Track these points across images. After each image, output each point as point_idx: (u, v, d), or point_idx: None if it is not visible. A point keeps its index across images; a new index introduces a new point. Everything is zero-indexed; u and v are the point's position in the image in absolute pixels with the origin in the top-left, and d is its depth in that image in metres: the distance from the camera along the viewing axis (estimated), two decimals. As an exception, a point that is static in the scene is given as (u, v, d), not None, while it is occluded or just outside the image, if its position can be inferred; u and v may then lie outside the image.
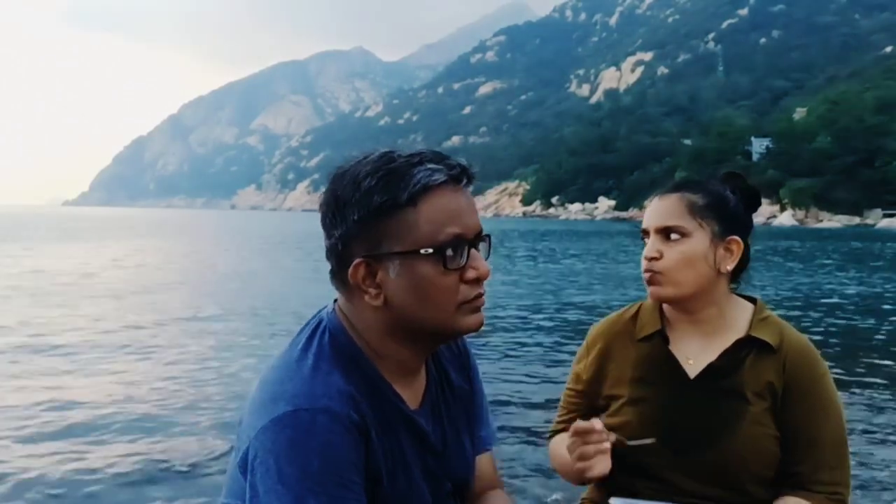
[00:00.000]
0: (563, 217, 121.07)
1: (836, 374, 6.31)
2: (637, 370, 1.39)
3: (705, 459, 1.29)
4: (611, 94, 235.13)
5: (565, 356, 7.13)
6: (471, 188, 0.97)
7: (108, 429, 4.82)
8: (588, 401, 1.47)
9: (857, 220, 76.61)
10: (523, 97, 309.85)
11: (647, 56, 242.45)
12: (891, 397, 5.74)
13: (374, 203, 0.89)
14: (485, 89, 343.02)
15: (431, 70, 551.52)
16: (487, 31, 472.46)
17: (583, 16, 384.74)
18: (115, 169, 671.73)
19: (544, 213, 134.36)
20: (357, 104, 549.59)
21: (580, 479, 1.32)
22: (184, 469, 4.04)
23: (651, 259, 1.34)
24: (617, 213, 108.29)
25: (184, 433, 4.68)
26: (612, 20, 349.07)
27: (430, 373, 1.06)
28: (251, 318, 9.92)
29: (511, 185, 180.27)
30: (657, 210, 1.36)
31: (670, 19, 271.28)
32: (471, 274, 0.94)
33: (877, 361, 7.23)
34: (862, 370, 6.78)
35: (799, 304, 12.09)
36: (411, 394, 1.00)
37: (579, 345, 1.53)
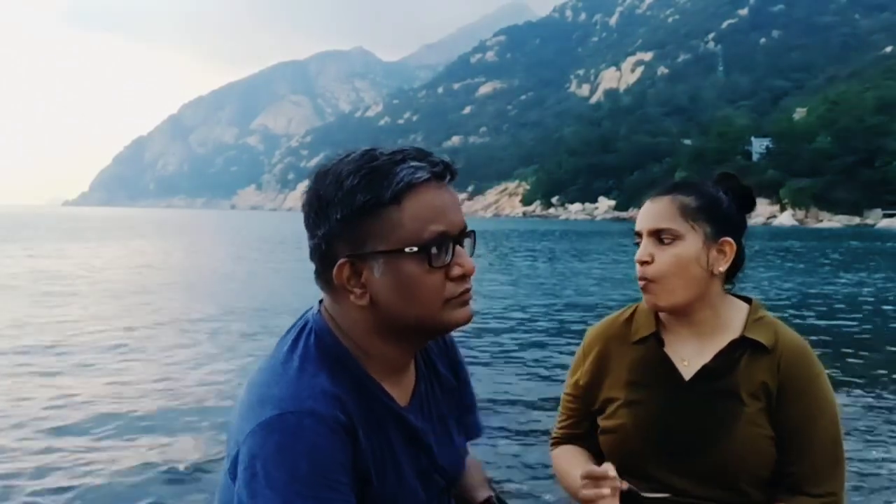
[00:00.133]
0: (563, 217, 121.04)
1: (835, 374, 6.34)
2: (632, 373, 1.40)
3: (701, 461, 1.29)
4: (611, 94, 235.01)
5: (564, 357, 7.13)
6: (454, 185, 0.96)
7: (107, 430, 4.82)
8: (587, 405, 1.47)
9: (857, 220, 76.60)
10: (523, 97, 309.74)
11: (647, 56, 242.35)
12: (889, 397, 5.74)
13: (357, 202, 0.88)
14: (485, 89, 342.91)
15: (431, 70, 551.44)
16: (487, 31, 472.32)
17: (583, 16, 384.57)
18: (115, 169, 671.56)
19: (544, 213, 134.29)
20: (357, 104, 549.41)
21: None
22: (182, 471, 4.03)
23: (643, 263, 1.34)
24: (617, 213, 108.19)
25: (183, 434, 4.68)
26: (612, 20, 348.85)
27: (419, 369, 1.06)
28: (252, 319, 9.91)
29: (511, 185, 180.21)
30: (649, 213, 1.36)
31: (670, 19, 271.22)
32: (456, 271, 0.93)
33: (876, 361, 7.23)
34: (861, 370, 6.77)
35: (798, 304, 12.09)
36: (400, 391, 1.00)
37: (578, 344, 1.53)
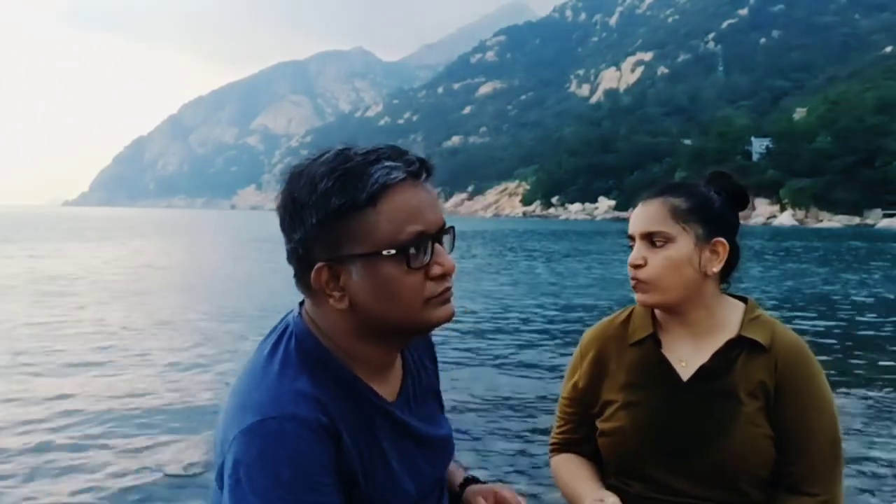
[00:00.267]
0: (563, 217, 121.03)
1: (835, 374, 6.35)
2: (630, 374, 1.40)
3: (700, 461, 1.29)
4: (611, 94, 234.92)
5: (562, 359, 7.13)
6: (430, 182, 0.94)
7: (103, 432, 4.83)
8: (585, 409, 1.46)
9: (857, 220, 76.60)
10: (523, 97, 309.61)
11: (647, 56, 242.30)
12: (889, 397, 5.74)
13: (332, 205, 0.87)
14: (485, 89, 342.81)
15: (431, 70, 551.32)
16: (487, 31, 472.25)
17: (583, 16, 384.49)
18: (115, 169, 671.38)
19: (544, 213, 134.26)
20: (357, 104, 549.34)
21: None
22: (180, 474, 4.03)
23: (636, 266, 1.35)
24: (617, 213, 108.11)
25: (181, 437, 4.67)
26: (612, 20, 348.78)
27: (406, 362, 1.06)
28: (252, 320, 9.90)
29: (511, 185, 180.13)
30: (641, 216, 1.36)
31: (670, 19, 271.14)
32: (436, 270, 0.92)
33: (876, 361, 7.23)
34: (861, 370, 6.78)
35: (798, 304, 12.10)
36: (388, 387, 1.00)
37: (575, 345, 1.53)
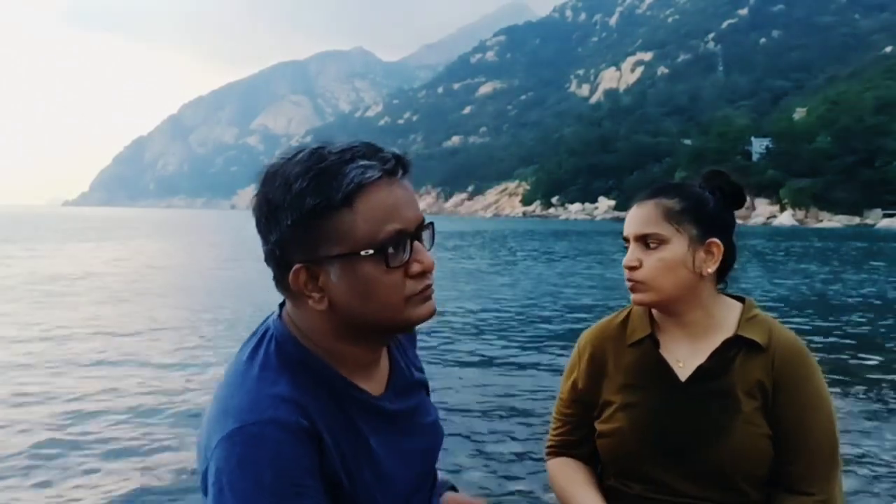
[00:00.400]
0: (563, 217, 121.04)
1: (833, 373, 6.35)
2: (628, 375, 1.40)
3: (698, 461, 1.29)
4: (611, 94, 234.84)
5: (561, 360, 7.14)
6: (408, 178, 0.92)
7: (100, 434, 4.83)
8: (584, 409, 1.46)
9: (857, 220, 76.61)
10: (523, 97, 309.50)
11: (647, 56, 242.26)
12: (889, 397, 5.75)
13: (307, 206, 0.85)
14: (485, 89, 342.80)
15: (431, 70, 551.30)
16: (487, 31, 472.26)
17: (583, 16, 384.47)
18: (115, 169, 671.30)
19: (544, 213, 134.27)
20: (357, 104, 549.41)
21: None
22: (176, 481, 4.04)
23: (631, 268, 1.35)
24: (617, 213, 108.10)
25: (182, 440, 4.67)
26: (612, 20, 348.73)
27: (392, 355, 1.05)
28: (253, 321, 9.91)
29: (511, 185, 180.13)
30: (635, 218, 1.37)
31: (670, 19, 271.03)
32: (415, 268, 0.91)
33: (876, 361, 7.23)
34: (859, 370, 6.78)
35: (798, 304, 12.10)
36: (374, 383, 0.99)
37: (573, 346, 1.53)
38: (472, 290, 13.75)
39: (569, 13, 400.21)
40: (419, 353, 1.16)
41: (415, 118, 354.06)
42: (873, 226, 70.11)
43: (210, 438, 0.86)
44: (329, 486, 0.89)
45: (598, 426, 1.41)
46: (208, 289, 14.29)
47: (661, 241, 1.32)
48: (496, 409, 5.36)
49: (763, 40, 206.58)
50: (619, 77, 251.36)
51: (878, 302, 12.53)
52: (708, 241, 1.33)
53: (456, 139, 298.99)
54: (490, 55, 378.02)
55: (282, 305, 0.99)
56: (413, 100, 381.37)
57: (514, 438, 4.68)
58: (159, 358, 7.28)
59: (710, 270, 1.34)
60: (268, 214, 0.89)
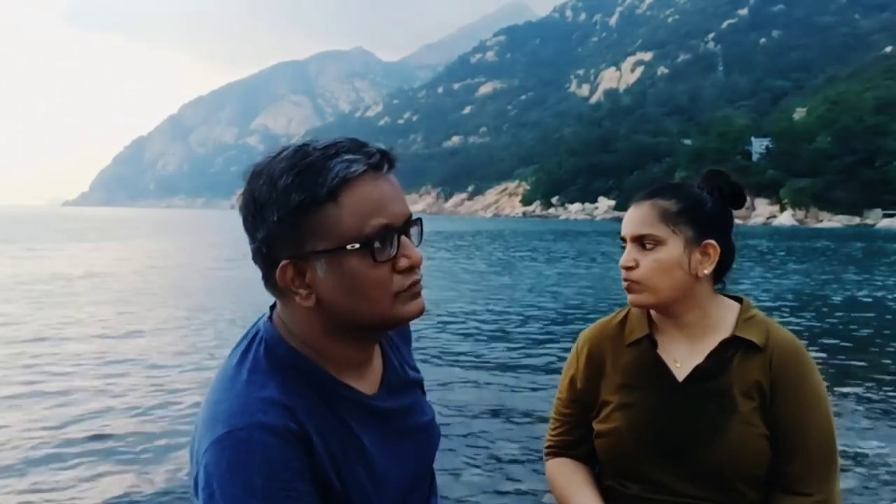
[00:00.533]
0: (563, 217, 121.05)
1: (833, 373, 6.36)
2: (626, 375, 1.40)
3: (696, 461, 1.30)
4: (611, 94, 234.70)
5: (561, 359, 7.14)
6: (393, 173, 0.92)
7: (99, 436, 4.84)
8: (582, 409, 1.46)
9: (857, 220, 76.60)
10: (523, 97, 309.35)
11: (647, 56, 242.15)
12: (887, 397, 5.76)
13: (292, 202, 0.86)
14: (485, 89, 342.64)
15: (431, 70, 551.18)
16: (487, 31, 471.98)
17: (583, 16, 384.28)
18: (115, 169, 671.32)
19: (544, 213, 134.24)
20: (357, 104, 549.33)
21: None
22: (177, 481, 4.05)
23: (627, 268, 1.36)
24: (617, 213, 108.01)
25: (179, 444, 4.68)
26: (612, 20, 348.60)
27: (385, 353, 1.05)
28: (252, 322, 9.92)
29: (511, 185, 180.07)
30: (631, 218, 1.37)
31: (670, 19, 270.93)
32: (403, 263, 0.90)
33: (875, 361, 7.24)
34: (859, 370, 6.79)
35: (797, 304, 12.11)
36: (367, 382, 0.99)
37: (571, 346, 1.53)
38: (472, 290, 13.76)
39: (569, 13, 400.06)
40: (415, 352, 1.16)
41: (415, 118, 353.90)
42: (873, 226, 70.13)
43: (200, 443, 0.87)
44: (320, 489, 0.89)
45: (596, 426, 1.41)
46: (208, 289, 14.30)
47: (658, 243, 1.33)
48: (495, 409, 5.37)
49: (763, 40, 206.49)
50: (619, 77, 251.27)
51: (877, 302, 12.54)
52: (704, 242, 1.34)
53: (456, 139, 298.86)
54: (490, 55, 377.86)
55: (273, 308, 0.99)
56: (413, 100, 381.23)
57: (513, 438, 4.69)
58: (158, 358, 7.29)
59: (705, 272, 1.34)
60: (254, 212, 0.89)
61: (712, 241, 1.34)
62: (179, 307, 11.30)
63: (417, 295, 0.93)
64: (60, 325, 9.25)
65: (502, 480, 3.97)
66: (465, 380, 6.36)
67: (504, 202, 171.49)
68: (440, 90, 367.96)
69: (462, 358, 7.36)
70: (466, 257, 24.44)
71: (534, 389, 6.03)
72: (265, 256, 0.90)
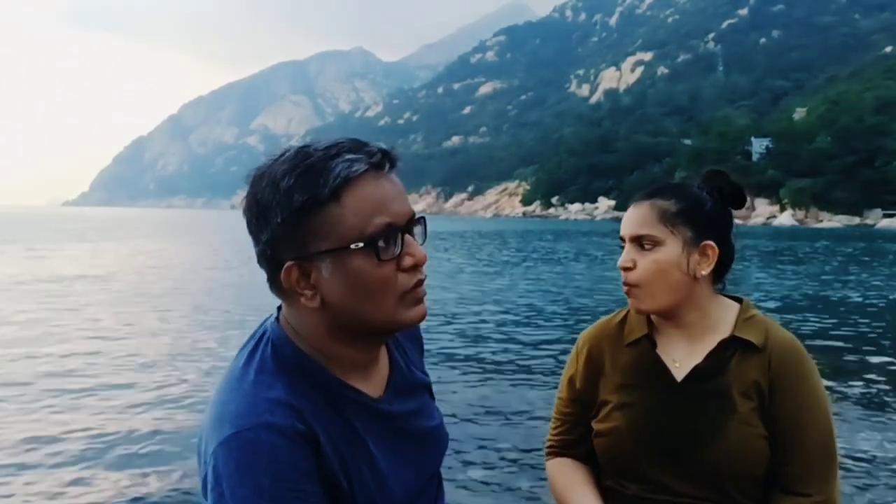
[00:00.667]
0: (563, 217, 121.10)
1: (832, 373, 6.36)
2: (625, 375, 1.40)
3: (695, 461, 1.29)
4: (611, 94, 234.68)
5: (561, 359, 7.14)
6: (395, 172, 0.93)
7: (100, 438, 4.84)
8: (582, 409, 1.46)
9: (857, 220, 76.66)
10: (523, 97, 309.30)
11: (647, 56, 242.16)
12: (886, 397, 5.76)
13: (295, 203, 0.86)
14: (485, 89, 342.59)
15: (431, 70, 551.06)
16: (487, 31, 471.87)
17: (583, 16, 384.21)
18: (115, 169, 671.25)
19: (544, 213, 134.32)
20: (357, 104, 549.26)
21: None
22: (178, 482, 4.05)
23: (626, 269, 1.36)
24: (617, 213, 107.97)
25: (182, 445, 4.67)
26: (612, 20, 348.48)
27: (392, 356, 1.05)
28: (254, 322, 9.93)
29: (511, 185, 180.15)
30: (630, 219, 1.37)
31: (670, 19, 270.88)
32: (407, 261, 0.91)
33: (874, 361, 7.25)
34: (859, 370, 6.80)
35: (797, 304, 12.12)
36: (372, 384, 0.99)
37: (572, 347, 1.53)
38: (472, 291, 13.76)
39: (569, 13, 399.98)
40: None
41: (415, 118, 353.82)
42: (873, 226, 70.16)
43: (208, 444, 0.87)
44: (328, 490, 0.89)
45: (595, 426, 1.42)
46: (207, 289, 14.30)
47: (656, 243, 1.33)
48: (496, 409, 5.37)
49: (763, 40, 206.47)
50: (619, 77, 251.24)
51: (877, 302, 12.55)
52: (703, 243, 1.33)
53: (456, 139, 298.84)
54: (490, 55, 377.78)
55: (280, 308, 0.99)
56: (413, 100, 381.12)
57: (512, 438, 4.69)
58: (158, 358, 7.29)
59: (704, 273, 1.34)
60: (258, 215, 0.89)
61: (711, 242, 1.34)
62: (179, 307, 11.31)
63: (420, 300, 0.94)
64: (60, 325, 9.26)
65: (502, 480, 3.98)
66: (465, 380, 6.37)
67: (504, 202, 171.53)
68: (440, 90, 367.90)
69: (462, 358, 7.36)
70: (466, 257, 24.44)
71: (533, 389, 6.03)
72: (270, 258, 0.90)
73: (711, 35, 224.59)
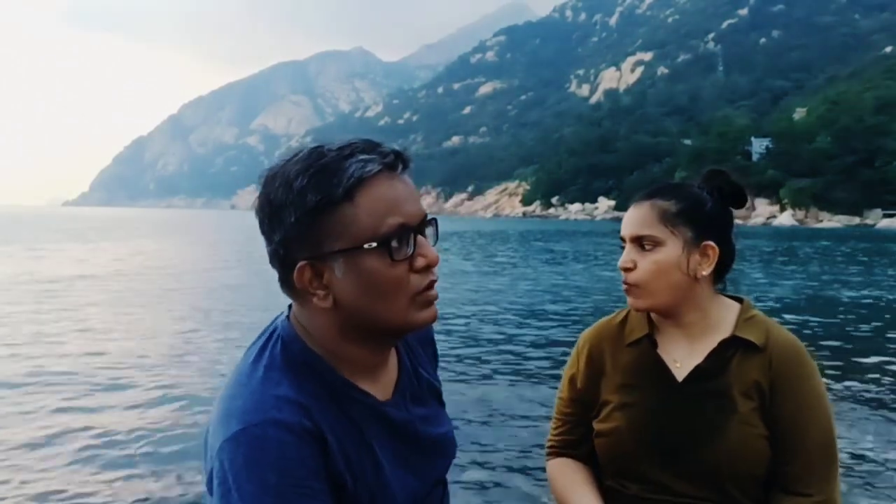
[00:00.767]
0: (562, 217, 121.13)
1: (833, 373, 6.36)
2: (626, 375, 1.40)
3: (695, 461, 1.29)
4: (611, 94, 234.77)
5: (562, 359, 7.14)
6: (408, 174, 0.93)
7: (102, 438, 4.84)
8: (583, 409, 1.46)
9: (857, 220, 76.68)
10: (523, 97, 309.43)
11: (647, 56, 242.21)
12: (886, 397, 5.76)
13: (308, 203, 0.86)
14: (485, 89, 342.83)
15: (431, 70, 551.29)
16: (487, 31, 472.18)
17: (583, 16, 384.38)
18: (115, 169, 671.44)
19: (544, 213, 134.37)
20: (357, 104, 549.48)
21: None
22: (181, 481, 4.05)
23: (626, 269, 1.36)
24: (617, 214, 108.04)
25: (184, 444, 4.67)
26: (612, 20, 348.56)
27: (401, 360, 1.05)
28: (255, 322, 9.93)
29: (511, 185, 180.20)
30: (631, 219, 1.37)
31: (670, 19, 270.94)
32: (420, 262, 0.91)
33: (874, 361, 7.24)
34: (859, 370, 6.80)
35: (797, 304, 12.11)
36: (380, 387, 0.99)
37: (572, 347, 1.53)
38: (472, 291, 13.76)
39: (569, 13, 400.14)
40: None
41: (415, 118, 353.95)
42: (873, 226, 70.17)
43: (214, 439, 0.87)
44: (334, 489, 0.89)
45: (596, 426, 1.41)
46: (208, 289, 14.29)
47: (656, 243, 1.32)
48: (496, 409, 5.37)
49: (763, 40, 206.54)
50: (619, 77, 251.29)
51: (877, 302, 12.55)
52: (703, 243, 1.33)
53: (456, 139, 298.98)
54: (490, 55, 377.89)
55: (290, 307, 0.99)
56: (413, 100, 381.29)
57: (513, 438, 4.69)
58: (158, 358, 7.29)
59: (704, 273, 1.34)
60: (270, 215, 0.89)
61: (711, 243, 1.33)
62: (179, 307, 11.30)
63: (431, 303, 0.94)
64: (60, 325, 9.25)
65: (502, 480, 3.98)
66: (465, 380, 6.37)
67: (504, 202, 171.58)
68: (440, 90, 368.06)
69: (461, 358, 7.36)
70: (466, 257, 24.44)
71: (533, 390, 6.03)
72: (282, 258, 0.90)
73: (711, 35, 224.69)
